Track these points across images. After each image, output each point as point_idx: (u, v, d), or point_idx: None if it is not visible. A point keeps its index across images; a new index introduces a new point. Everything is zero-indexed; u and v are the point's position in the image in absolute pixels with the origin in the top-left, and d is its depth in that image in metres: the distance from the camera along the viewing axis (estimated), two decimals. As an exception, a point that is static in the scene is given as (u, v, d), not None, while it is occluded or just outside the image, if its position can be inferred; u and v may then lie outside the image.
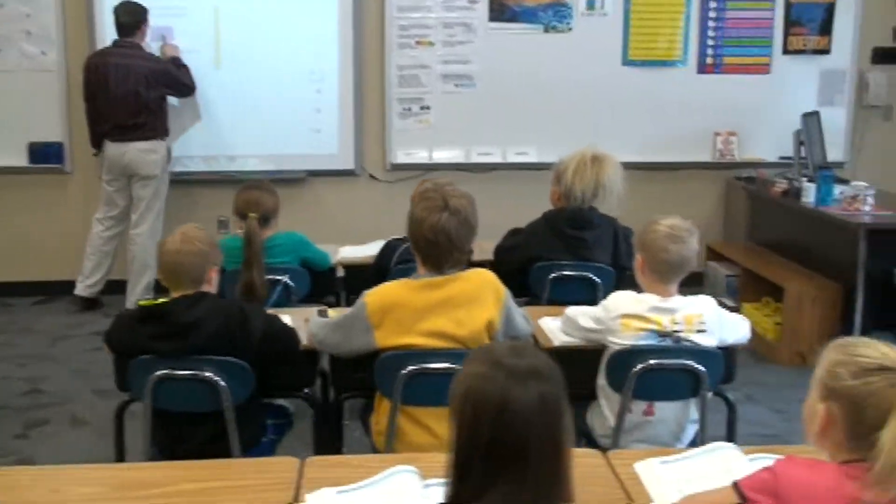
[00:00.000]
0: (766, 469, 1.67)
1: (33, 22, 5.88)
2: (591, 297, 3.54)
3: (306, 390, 3.03)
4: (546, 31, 6.14)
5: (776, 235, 5.78)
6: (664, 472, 2.00)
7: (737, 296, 5.60)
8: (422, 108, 6.21)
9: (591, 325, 2.89)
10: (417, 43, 6.12)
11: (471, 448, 1.49)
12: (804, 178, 5.33)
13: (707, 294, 2.91)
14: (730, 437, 3.04)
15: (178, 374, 2.67)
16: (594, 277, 3.79)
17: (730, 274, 5.77)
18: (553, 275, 3.81)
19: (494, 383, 1.49)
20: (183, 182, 6.04)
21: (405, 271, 3.72)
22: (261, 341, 2.72)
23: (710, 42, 6.25)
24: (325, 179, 6.28)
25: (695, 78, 6.28)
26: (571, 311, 3.01)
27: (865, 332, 4.47)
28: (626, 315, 2.79)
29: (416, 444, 2.73)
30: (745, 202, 6.16)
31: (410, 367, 2.68)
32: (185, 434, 2.77)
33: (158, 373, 2.65)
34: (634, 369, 2.73)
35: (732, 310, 3.19)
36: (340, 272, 4.32)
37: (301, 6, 6.04)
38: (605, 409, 2.89)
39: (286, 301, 3.73)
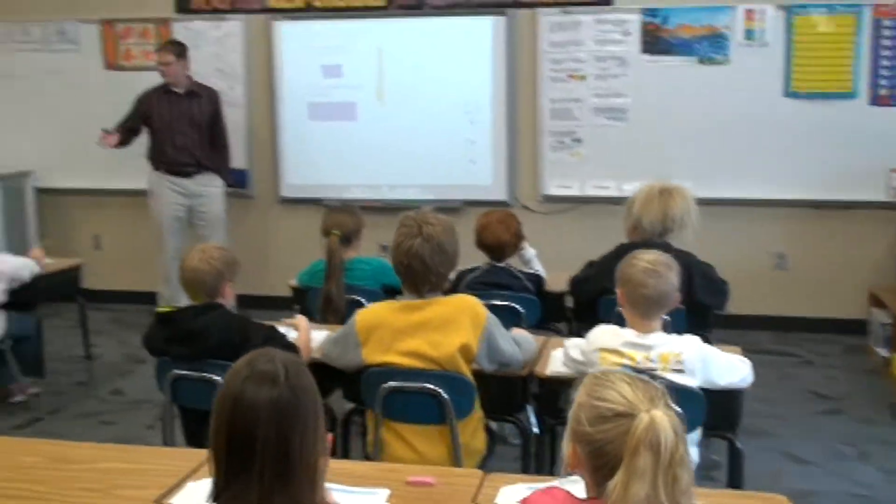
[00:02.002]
0: (524, 499, 1.69)
1: (223, 61, 6.59)
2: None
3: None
4: (701, 62, 6.00)
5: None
6: (515, 496, 2.02)
7: (889, 345, 5.17)
8: (574, 140, 6.27)
9: (577, 356, 2.90)
10: (570, 77, 6.20)
11: (216, 442, 1.64)
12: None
13: (869, 342, 2.80)
14: (733, 483, 2.92)
15: (189, 375, 2.99)
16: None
17: (885, 322, 5.33)
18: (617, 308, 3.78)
19: (235, 382, 1.64)
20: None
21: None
22: (260, 352, 2.97)
23: (885, 72, 5.83)
24: (480, 209, 6.46)
25: (867, 110, 5.87)
26: (568, 342, 3.03)
27: None
28: (603, 349, 2.78)
29: (398, 457, 2.88)
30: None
31: (388, 384, 2.83)
32: (203, 429, 3.08)
33: (173, 373, 2.99)
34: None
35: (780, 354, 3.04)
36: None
37: (457, 44, 6.32)
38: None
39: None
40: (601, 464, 1.57)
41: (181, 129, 6.05)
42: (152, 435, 4.28)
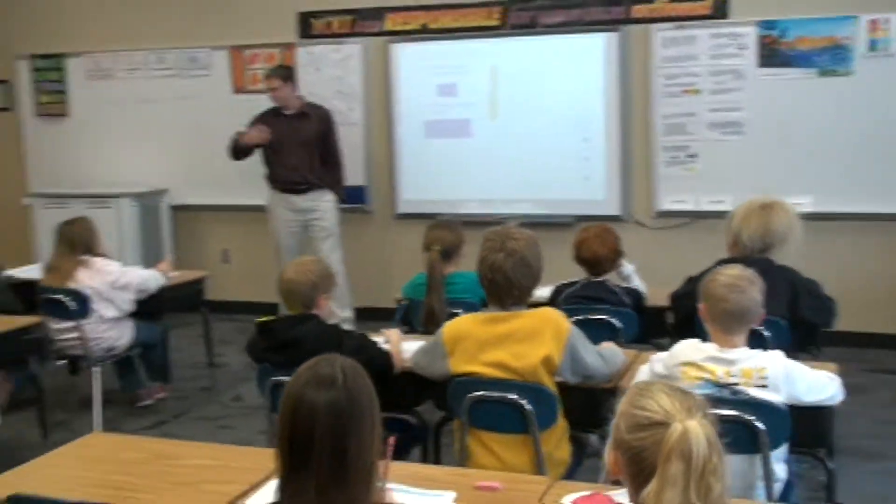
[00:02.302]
0: None
1: (343, 83, 6.84)
2: (757, 348, 3.46)
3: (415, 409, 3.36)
4: (822, 75, 5.84)
5: None
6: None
7: None
8: (688, 156, 6.20)
9: (660, 370, 2.90)
10: (684, 91, 6.15)
11: (279, 442, 1.75)
12: None
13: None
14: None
15: (285, 382, 3.13)
16: (762, 330, 3.66)
17: None
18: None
19: (297, 385, 1.75)
20: (464, 223, 6.58)
21: (570, 311, 3.94)
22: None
23: None
24: (593, 225, 6.47)
25: None
26: (654, 356, 3.03)
27: None
28: (685, 363, 2.77)
29: (482, 464, 2.95)
30: None
31: (473, 394, 2.91)
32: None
33: (272, 380, 3.15)
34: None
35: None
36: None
37: (570, 61, 6.36)
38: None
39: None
40: (638, 470, 1.63)
41: (291, 149, 6.21)
42: (264, 439, 4.48)
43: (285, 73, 6.29)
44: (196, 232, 7.40)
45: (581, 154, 6.42)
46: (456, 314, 4.06)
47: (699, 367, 2.74)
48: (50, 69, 7.56)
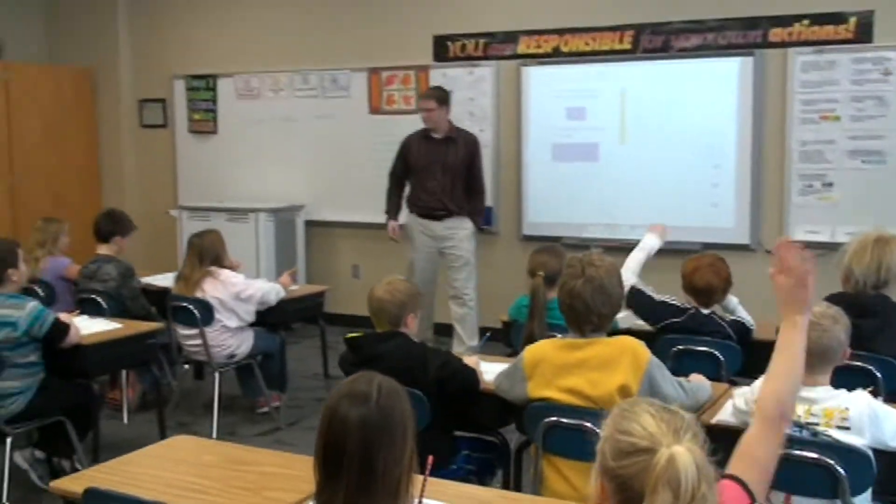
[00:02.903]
0: None
1: (475, 104, 6.93)
2: (867, 388, 3.31)
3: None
4: (973, 102, 5.51)
5: None
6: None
7: None
8: (824, 184, 5.96)
9: (742, 405, 2.81)
10: (822, 118, 5.91)
11: (316, 451, 1.82)
12: None
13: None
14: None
15: (369, 396, 3.22)
16: (874, 370, 3.49)
17: None
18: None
19: (335, 399, 1.81)
20: (585, 248, 6.54)
21: (673, 342, 3.88)
22: (436, 378, 3.16)
23: None
24: (720, 253, 6.29)
25: None
26: (737, 390, 2.94)
27: None
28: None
29: (555, 490, 2.94)
30: None
31: (547, 419, 2.91)
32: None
33: (358, 393, 3.24)
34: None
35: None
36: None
37: (702, 86, 6.23)
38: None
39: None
40: (625, 499, 1.58)
41: (435, 173, 6.12)
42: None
43: (441, 96, 6.15)
44: (328, 247, 7.65)
45: (710, 180, 6.27)
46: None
47: (775, 406, 2.64)
48: (202, 89, 8.01)
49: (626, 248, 5.97)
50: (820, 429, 2.58)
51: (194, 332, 4.93)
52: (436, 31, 7.08)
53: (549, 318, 4.07)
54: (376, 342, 3.22)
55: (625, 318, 4.49)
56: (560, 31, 6.67)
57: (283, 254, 7.38)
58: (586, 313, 2.88)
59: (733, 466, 1.84)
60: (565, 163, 6.69)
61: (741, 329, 4.00)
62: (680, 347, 3.87)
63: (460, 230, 6.24)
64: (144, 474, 2.55)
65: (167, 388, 5.29)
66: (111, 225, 5.26)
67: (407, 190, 6.38)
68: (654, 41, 6.39)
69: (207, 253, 4.95)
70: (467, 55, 7.00)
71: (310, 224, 7.65)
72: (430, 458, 1.93)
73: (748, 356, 3.92)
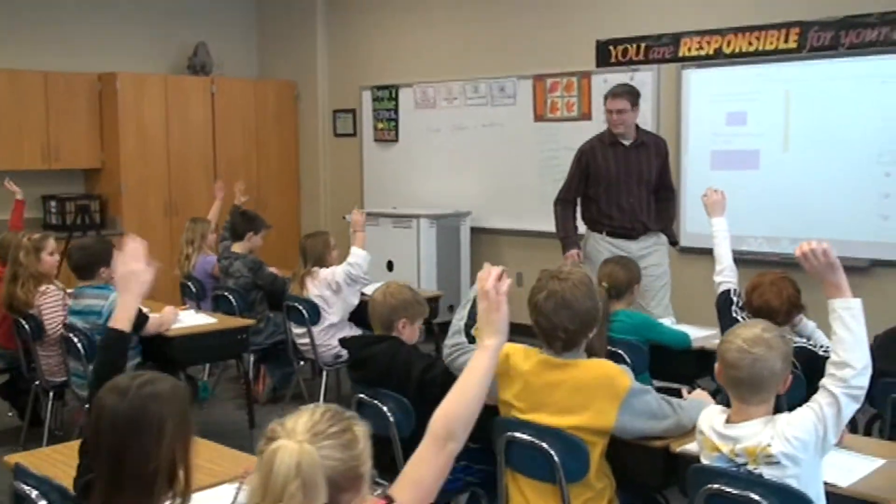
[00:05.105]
0: None
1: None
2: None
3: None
4: None
5: None
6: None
7: None
8: None
9: (697, 436, 2.55)
10: None
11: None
12: None
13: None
14: None
15: (364, 400, 3.25)
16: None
17: None
18: (894, 394, 3.22)
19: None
20: (747, 262, 6.09)
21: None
22: (418, 382, 3.13)
23: None
24: (892, 270, 5.67)
25: None
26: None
27: None
28: (701, 432, 2.43)
29: (516, 505, 2.82)
30: None
31: (507, 434, 2.80)
32: (377, 450, 3.33)
33: (356, 397, 3.28)
34: (700, 490, 2.38)
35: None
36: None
37: (874, 87, 5.67)
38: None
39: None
40: None
41: (630, 187, 5.24)
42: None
43: (635, 95, 5.25)
44: (493, 254, 7.65)
45: (881, 190, 5.66)
46: (617, 353, 3.89)
47: (711, 441, 2.38)
48: (385, 99, 8.33)
49: (786, 263, 5.56)
50: (750, 467, 2.29)
51: (303, 331, 5.16)
52: (598, 35, 6.91)
53: (611, 330, 3.89)
54: (363, 344, 3.25)
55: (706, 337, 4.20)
56: (723, 32, 6.28)
57: (446, 259, 7.49)
58: (551, 329, 2.72)
59: (395, 485, 1.83)
60: (723, 171, 6.28)
61: (808, 356, 3.58)
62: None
63: (658, 246, 5.39)
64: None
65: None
66: (245, 223, 5.64)
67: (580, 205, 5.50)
68: (822, 38, 5.85)
69: (311, 254, 5.17)
70: (628, 59, 6.77)
71: (475, 231, 7.71)
72: None
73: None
